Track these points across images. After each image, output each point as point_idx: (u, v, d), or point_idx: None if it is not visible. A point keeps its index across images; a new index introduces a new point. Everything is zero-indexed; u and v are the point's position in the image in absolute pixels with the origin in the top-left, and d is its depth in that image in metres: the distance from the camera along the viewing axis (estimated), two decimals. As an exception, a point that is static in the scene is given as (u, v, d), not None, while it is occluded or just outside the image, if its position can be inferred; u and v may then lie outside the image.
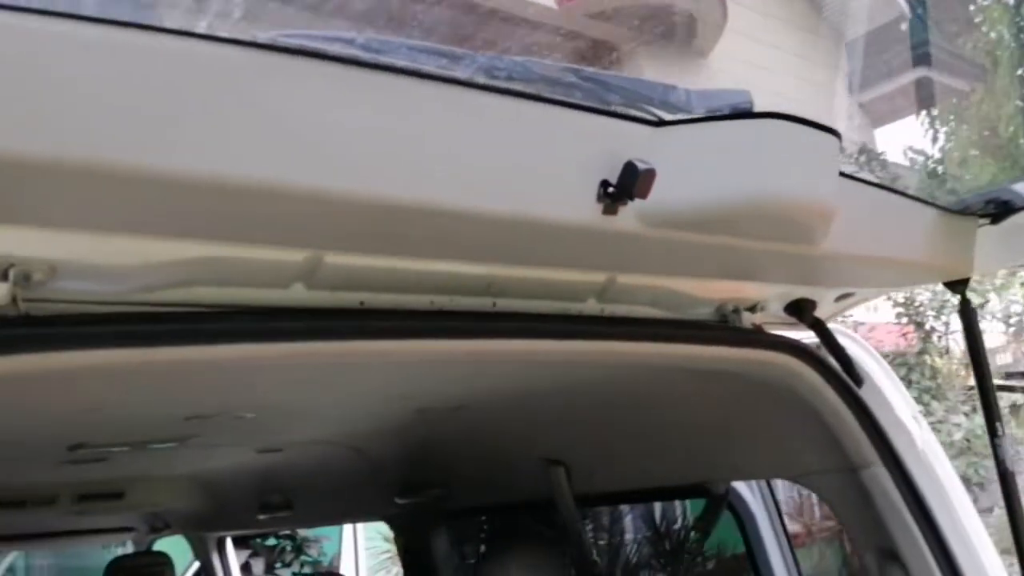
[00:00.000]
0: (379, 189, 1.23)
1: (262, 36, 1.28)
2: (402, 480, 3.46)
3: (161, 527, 5.14)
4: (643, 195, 1.33)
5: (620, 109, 1.39)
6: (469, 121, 1.28)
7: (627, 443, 2.71)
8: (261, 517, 4.19)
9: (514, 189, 1.30)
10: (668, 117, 1.41)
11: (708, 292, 1.96)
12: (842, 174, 1.69)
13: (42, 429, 2.32)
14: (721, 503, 2.59)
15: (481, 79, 1.30)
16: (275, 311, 1.41)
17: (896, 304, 9.21)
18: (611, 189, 1.33)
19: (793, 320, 2.13)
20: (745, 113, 1.43)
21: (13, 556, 7.37)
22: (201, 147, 1.11)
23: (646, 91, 1.43)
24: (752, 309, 2.06)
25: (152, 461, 3.69)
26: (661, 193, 1.39)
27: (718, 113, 1.43)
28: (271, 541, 7.79)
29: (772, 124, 1.42)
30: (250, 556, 7.90)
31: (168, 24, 1.16)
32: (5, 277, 1.16)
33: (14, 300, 1.17)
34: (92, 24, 1.08)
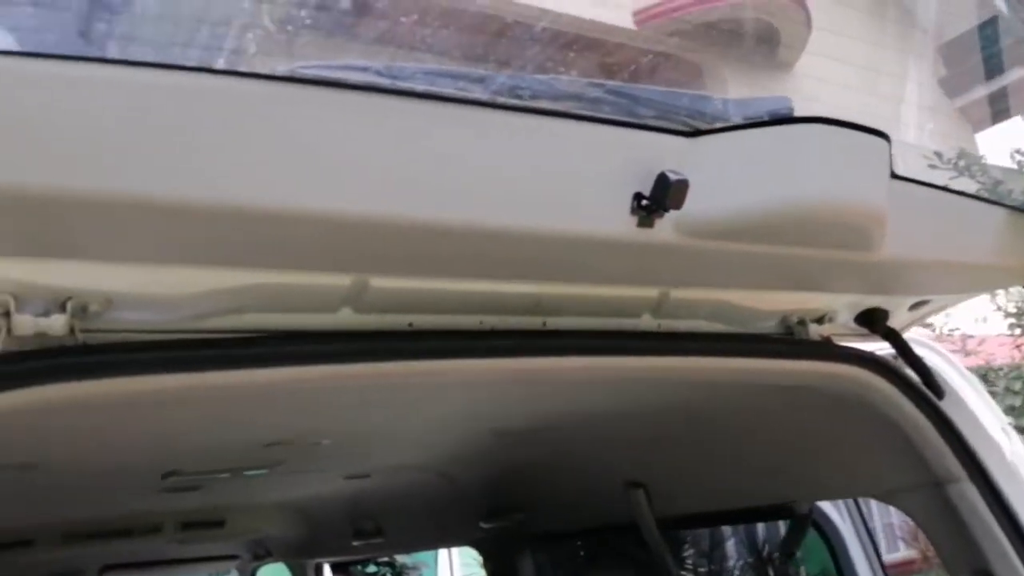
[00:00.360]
0: (418, 211, 1.26)
1: (300, 70, 1.33)
2: (487, 505, 3.47)
3: (263, 554, 5.27)
4: (677, 206, 1.32)
5: (652, 121, 1.38)
6: (501, 141, 1.30)
7: (706, 463, 2.66)
8: (355, 543, 4.26)
9: (546, 206, 1.31)
10: (704, 127, 1.40)
11: (770, 304, 1.92)
12: (904, 178, 1.64)
13: (136, 457, 2.43)
14: (805, 524, 2.51)
15: (510, 100, 1.32)
16: (327, 334, 1.46)
17: (1008, 315, 8.76)
18: (644, 201, 1.32)
19: (866, 331, 2.07)
20: (783, 119, 1.41)
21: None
22: (247, 178, 1.16)
23: (679, 102, 1.42)
24: (820, 321, 2.01)
25: (247, 489, 3.81)
26: (699, 203, 1.37)
27: (756, 120, 1.40)
28: (371, 568, 7.91)
29: (812, 128, 1.39)
30: None
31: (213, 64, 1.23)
32: (63, 309, 1.23)
33: (72, 331, 1.24)
34: (141, 68, 1.15)
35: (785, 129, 1.39)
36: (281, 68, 1.25)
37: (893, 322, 2.08)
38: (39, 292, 1.22)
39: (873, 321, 2.03)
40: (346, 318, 1.48)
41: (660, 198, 1.31)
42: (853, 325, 2.07)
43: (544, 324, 1.68)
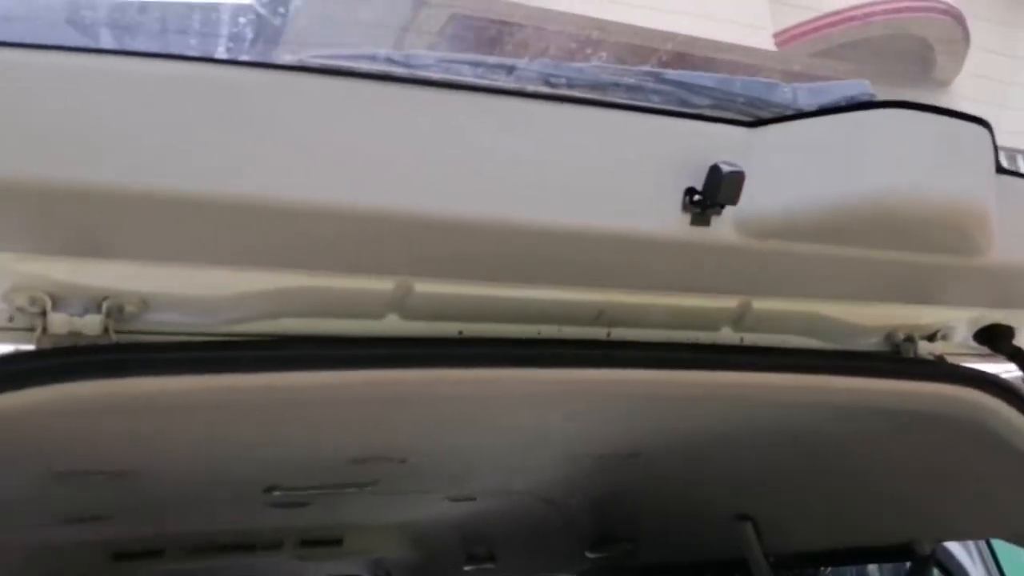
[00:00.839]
0: (455, 207, 1.20)
1: (341, 63, 1.30)
2: (593, 533, 3.36)
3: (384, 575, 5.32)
4: (732, 200, 1.20)
5: (710, 112, 1.27)
6: (543, 133, 1.22)
7: (818, 497, 2.47)
8: (467, 568, 4.22)
9: (589, 202, 1.22)
10: (768, 116, 1.27)
11: (872, 319, 1.74)
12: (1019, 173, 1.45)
13: (231, 469, 2.46)
14: (927, 566, 2.28)
15: (555, 91, 1.24)
16: (371, 339, 1.41)
17: None
18: (696, 196, 1.21)
19: (988, 351, 1.85)
20: (858, 104, 1.26)
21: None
22: (285, 175, 1.13)
23: (741, 90, 1.30)
24: (931, 338, 1.81)
25: (361, 509, 3.84)
26: (761, 199, 1.25)
27: (828, 107, 1.27)
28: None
29: (890, 114, 1.24)
30: None
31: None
32: (99, 309, 1.23)
33: (106, 330, 1.24)
34: (180, 63, 1.15)
35: (860, 115, 1.25)
36: (312, 58, 1.22)
37: (1022, 341, 1.86)
38: (77, 292, 1.23)
39: (995, 338, 1.82)
40: (392, 325, 1.43)
41: (713, 192, 1.20)
42: (973, 344, 1.86)
43: (608, 335, 1.58)
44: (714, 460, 2.54)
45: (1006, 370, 1.88)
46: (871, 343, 1.78)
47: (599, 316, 1.55)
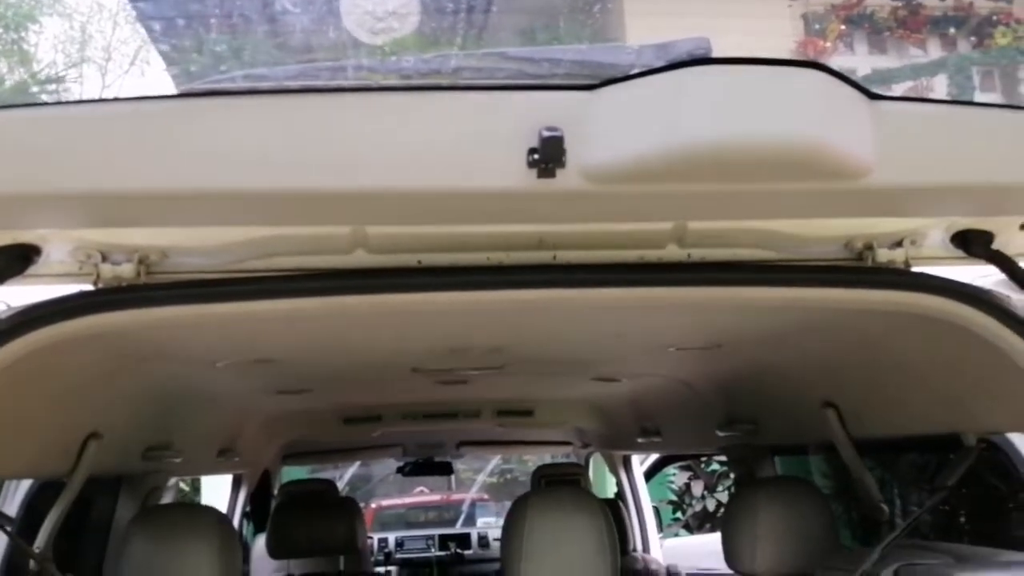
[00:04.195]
0: (365, 181, 1.53)
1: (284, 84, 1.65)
2: (721, 415, 3.59)
3: (587, 443, 5.85)
4: (558, 158, 1.43)
5: (556, 81, 1.48)
6: (419, 118, 1.51)
7: (879, 388, 2.55)
8: (640, 440, 4.60)
9: (458, 167, 1.50)
10: (614, 77, 1.46)
11: (819, 231, 1.85)
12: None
13: (383, 356, 2.99)
14: (967, 456, 2.31)
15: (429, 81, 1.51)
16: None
17: None
18: (535, 156, 1.45)
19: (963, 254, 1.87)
20: (674, 64, 1.41)
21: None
22: (251, 171, 1.52)
23: (583, 57, 1.48)
24: (900, 244, 1.88)
25: (541, 385, 4.33)
26: (600, 151, 1.46)
27: (653, 68, 1.43)
28: (713, 467, 8.13)
29: (705, 70, 1.39)
30: (691, 479, 8.35)
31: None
32: (131, 259, 1.74)
33: (138, 274, 1.74)
34: (177, 100, 1.57)
35: (678, 73, 1.39)
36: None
37: (1003, 246, 1.86)
38: (116, 249, 1.74)
39: (969, 243, 1.84)
40: (360, 258, 1.81)
41: (545, 152, 1.44)
42: (951, 248, 1.89)
43: (554, 258, 1.85)
44: (797, 351, 2.69)
45: (985, 274, 1.89)
46: (828, 252, 1.89)
47: (540, 243, 1.83)
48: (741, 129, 1.39)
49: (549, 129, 1.43)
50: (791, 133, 1.41)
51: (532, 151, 1.46)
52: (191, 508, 3.75)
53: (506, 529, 2.73)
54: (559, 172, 1.48)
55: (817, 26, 13.04)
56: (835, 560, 2.47)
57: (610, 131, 1.45)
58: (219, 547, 2.55)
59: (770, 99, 1.39)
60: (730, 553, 2.78)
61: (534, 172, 1.48)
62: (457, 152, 1.49)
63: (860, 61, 13.36)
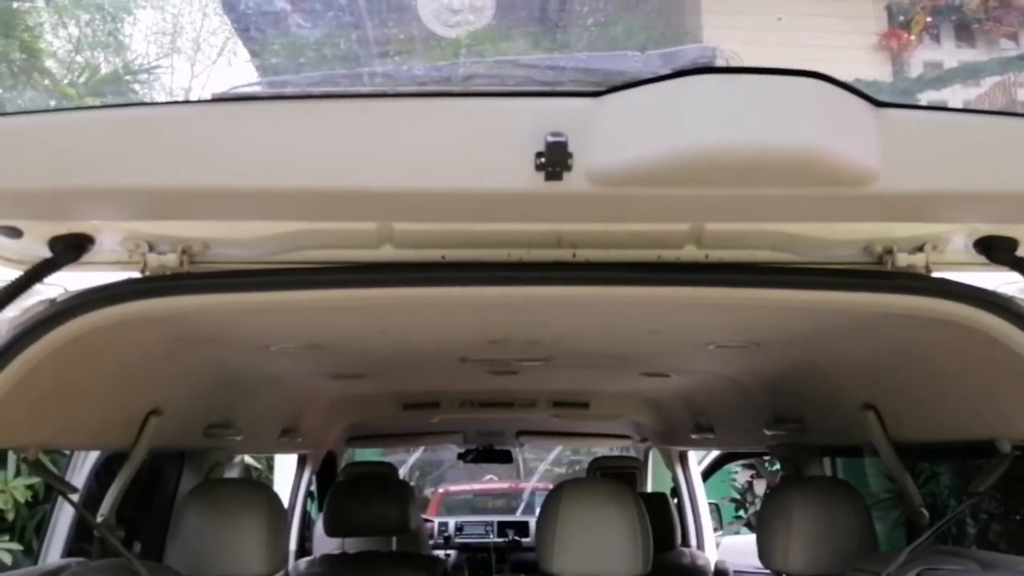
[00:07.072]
0: (385, 181, 1.62)
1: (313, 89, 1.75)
2: (768, 413, 3.59)
3: (645, 438, 5.87)
4: (563, 162, 1.49)
5: (563, 88, 1.53)
6: (434, 123, 1.58)
7: (917, 393, 2.54)
8: (694, 436, 4.62)
9: (469, 168, 1.58)
10: (618, 85, 1.51)
11: (838, 234, 1.86)
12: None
13: (431, 345, 3.09)
14: (1002, 463, 2.28)
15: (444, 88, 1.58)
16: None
17: None
18: (542, 160, 1.52)
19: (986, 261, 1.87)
20: (678, 73, 1.45)
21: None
22: (282, 171, 1.63)
23: (592, 65, 1.53)
24: (921, 249, 1.88)
25: (593, 379, 4.38)
26: (606, 155, 1.52)
27: (658, 76, 1.47)
28: (776, 467, 8.02)
29: (703, 79, 1.43)
30: (753, 477, 8.26)
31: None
32: (175, 249, 1.86)
33: (181, 264, 1.87)
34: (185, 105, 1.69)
35: (678, 82, 1.44)
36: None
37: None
38: (162, 239, 1.86)
39: (992, 249, 1.83)
40: (387, 252, 1.91)
41: (551, 156, 1.50)
42: (974, 254, 1.88)
43: (574, 256, 1.91)
44: (836, 353, 2.69)
45: (1012, 280, 1.88)
46: (847, 255, 1.90)
47: (559, 241, 1.89)
48: (737, 136, 1.43)
49: (554, 134, 1.49)
50: (786, 140, 1.44)
51: (539, 155, 1.52)
52: (242, 483, 3.92)
53: (541, 516, 2.81)
54: (566, 175, 1.54)
55: (901, 18, 12.70)
56: (863, 562, 2.48)
57: (614, 136, 1.51)
58: (267, 521, 2.69)
59: (767, 107, 1.42)
60: (764, 550, 2.80)
61: (542, 175, 1.54)
62: (469, 155, 1.56)
63: (946, 55, 12.95)
